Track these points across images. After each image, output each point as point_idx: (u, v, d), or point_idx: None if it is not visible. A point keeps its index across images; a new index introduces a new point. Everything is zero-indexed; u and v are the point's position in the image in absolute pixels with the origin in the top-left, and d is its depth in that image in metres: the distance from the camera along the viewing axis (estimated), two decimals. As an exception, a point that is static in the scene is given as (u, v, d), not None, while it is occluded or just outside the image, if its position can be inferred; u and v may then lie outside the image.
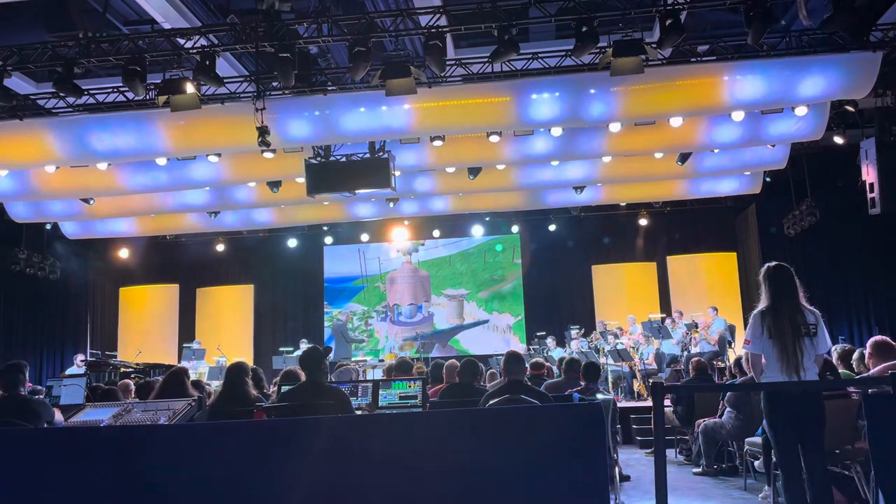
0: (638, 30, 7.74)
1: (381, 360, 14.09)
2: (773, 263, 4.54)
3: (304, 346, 13.53)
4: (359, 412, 5.28)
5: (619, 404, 9.24)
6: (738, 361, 7.52)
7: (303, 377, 5.04)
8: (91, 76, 9.73)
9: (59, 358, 15.43)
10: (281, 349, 14.29)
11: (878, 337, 5.61)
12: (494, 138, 9.85)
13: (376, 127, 9.33)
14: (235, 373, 5.68)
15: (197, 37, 8.20)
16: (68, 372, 12.91)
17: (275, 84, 8.88)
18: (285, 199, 12.20)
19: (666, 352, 12.37)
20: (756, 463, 6.45)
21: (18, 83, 9.56)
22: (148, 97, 8.98)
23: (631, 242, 15.86)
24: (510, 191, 12.90)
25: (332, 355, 12.39)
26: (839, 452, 5.27)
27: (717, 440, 7.41)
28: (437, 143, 10.04)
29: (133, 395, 6.71)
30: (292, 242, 16.33)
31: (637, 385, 12.32)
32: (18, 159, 10.05)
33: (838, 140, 10.40)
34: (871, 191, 8.93)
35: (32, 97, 9.69)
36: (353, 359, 13.47)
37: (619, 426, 8.32)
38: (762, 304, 4.44)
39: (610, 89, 8.86)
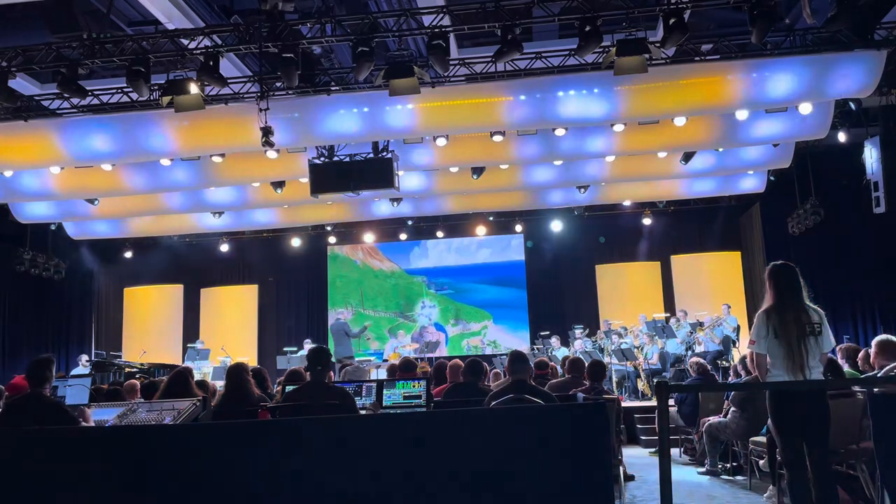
0: (641, 29, 7.73)
1: (385, 360, 14.09)
2: (778, 262, 4.54)
3: (308, 345, 13.53)
4: (363, 412, 5.28)
5: (623, 404, 9.23)
6: (742, 360, 7.51)
7: (307, 377, 5.05)
8: (95, 77, 9.75)
9: (65, 358, 15.45)
10: (285, 349, 14.29)
11: (883, 336, 5.59)
12: (498, 138, 9.85)
13: (380, 127, 9.34)
14: (237, 373, 5.70)
15: (200, 37, 8.21)
16: (73, 372, 12.94)
17: (278, 84, 8.88)
18: (289, 199, 12.22)
19: (670, 351, 12.35)
20: (761, 462, 6.44)
21: (23, 84, 9.59)
22: (152, 98, 9.00)
23: (635, 242, 15.85)
24: (514, 190, 12.91)
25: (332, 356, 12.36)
26: (844, 452, 5.25)
27: (722, 440, 7.40)
28: (441, 142, 10.05)
29: (138, 396, 6.72)
30: (296, 242, 16.35)
31: (641, 385, 12.30)
32: (23, 160, 10.08)
33: (842, 138, 10.38)
34: (876, 189, 8.93)
35: (37, 98, 9.72)
36: (356, 358, 13.46)
37: (623, 426, 8.32)
38: (767, 303, 4.43)
39: (613, 88, 8.86)
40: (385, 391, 5.66)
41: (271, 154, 9.43)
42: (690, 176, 12.38)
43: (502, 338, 16.21)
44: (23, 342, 15.12)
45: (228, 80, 8.39)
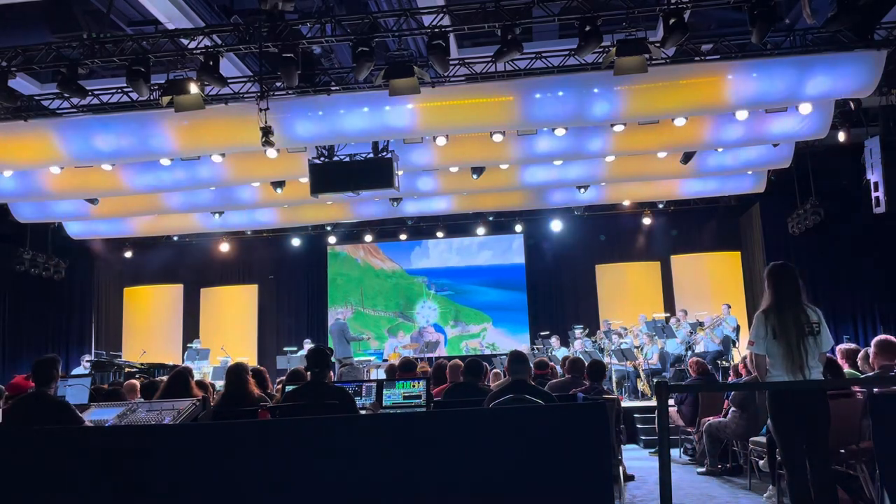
0: (641, 29, 7.72)
1: (385, 360, 14.09)
2: (778, 262, 4.54)
3: (308, 345, 13.53)
4: (363, 412, 5.28)
5: (623, 404, 9.23)
6: (745, 361, 7.51)
7: (308, 377, 5.05)
8: (95, 77, 9.75)
9: (65, 358, 15.45)
10: (285, 349, 14.31)
11: (883, 336, 5.59)
12: (498, 138, 9.85)
13: (379, 127, 9.34)
14: (237, 373, 5.70)
15: (200, 37, 8.21)
16: (74, 372, 12.94)
17: (278, 84, 8.89)
18: (289, 199, 12.22)
19: (670, 351, 12.35)
20: (760, 462, 6.44)
21: (23, 84, 9.59)
22: (152, 98, 9.00)
23: (635, 242, 15.86)
24: (514, 190, 12.91)
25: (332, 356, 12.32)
26: (844, 452, 5.25)
27: (722, 440, 7.40)
28: (441, 142, 10.05)
29: (138, 396, 6.73)
30: (296, 242, 16.36)
31: (641, 384, 12.31)
32: (23, 160, 10.08)
33: (842, 138, 10.38)
34: (876, 189, 8.92)
35: (37, 98, 9.72)
36: (356, 358, 13.46)
37: (623, 426, 8.31)
38: (765, 303, 4.43)
39: (613, 88, 8.85)
40: (385, 391, 5.66)
41: (271, 154, 9.43)
42: (690, 176, 12.37)
43: (501, 340, 16.21)
44: (23, 342, 15.13)
45: (228, 80, 8.40)
